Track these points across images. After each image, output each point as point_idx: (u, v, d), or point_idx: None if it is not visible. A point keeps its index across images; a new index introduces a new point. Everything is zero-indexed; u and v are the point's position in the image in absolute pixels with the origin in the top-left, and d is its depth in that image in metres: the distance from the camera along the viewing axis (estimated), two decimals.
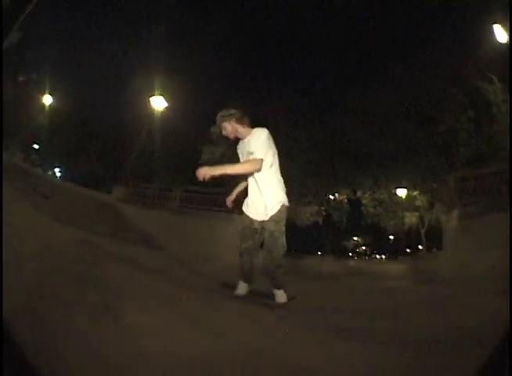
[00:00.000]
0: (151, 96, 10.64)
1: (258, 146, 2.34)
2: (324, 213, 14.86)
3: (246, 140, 2.47)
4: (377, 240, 21.88)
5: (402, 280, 6.23)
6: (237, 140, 2.56)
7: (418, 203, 17.11)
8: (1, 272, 1.08)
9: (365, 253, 24.38)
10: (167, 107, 10.86)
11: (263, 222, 2.42)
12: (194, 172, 2.31)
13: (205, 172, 2.24)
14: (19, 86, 15.59)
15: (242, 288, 2.54)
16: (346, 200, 15.78)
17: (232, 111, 2.47)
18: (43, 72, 15.14)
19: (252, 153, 2.36)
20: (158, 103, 10.78)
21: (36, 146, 15.80)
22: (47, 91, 15.17)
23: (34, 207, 3.49)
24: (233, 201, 2.73)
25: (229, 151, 10.26)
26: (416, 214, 17.91)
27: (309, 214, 13.75)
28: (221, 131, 2.50)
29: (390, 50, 13.63)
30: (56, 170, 16.08)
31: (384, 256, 23.77)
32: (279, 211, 2.38)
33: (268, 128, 2.41)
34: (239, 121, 2.46)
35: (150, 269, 2.85)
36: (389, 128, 13.99)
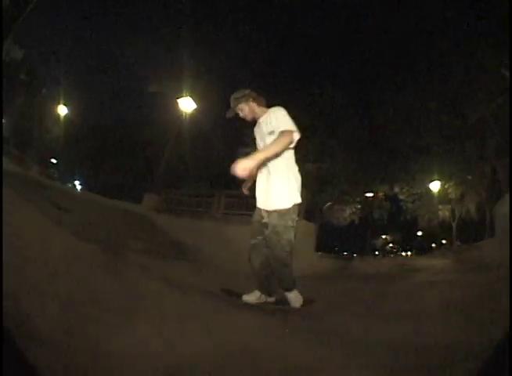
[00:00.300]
0: (179, 98, 9.99)
1: (282, 120, 2.12)
2: (360, 212, 14.14)
3: (262, 120, 2.26)
4: (406, 237, 21.11)
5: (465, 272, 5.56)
6: (254, 123, 2.35)
7: (451, 195, 16.73)
8: (1, 273, 1.09)
9: (391, 251, 23.47)
10: (195, 109, 10.21)
11: (269, 213, 2.16)
12: (230, 176, 2.05)
13: (245, 166, 1.89)
14: (29, 99, 15.14)
15: (253, 295, 2.27)
16: (384, 197, 15.11)
17: (247, 91, 2.29)
18: (57, 83, 14.67)
19: (273, 132, 2.12)
20: (186, 105, 10.13)
21: (54, 161, 15.25)
22: (61, 101, 14.67)
23: (50, 220, 3.07)
24: (249, 188, 2.46)
25: None
26: (449, 207, 17.49)
27: (348, 213, 13.06)
28: (237, 115, 2.33)
29: (420, 44, 13.11)
30: (76, 182, 15.46)
31: (409, 253, 22.94)
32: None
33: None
34: (256, 100, 2.30)
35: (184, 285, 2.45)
36: (422, 120, 13.70)
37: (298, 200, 2.15)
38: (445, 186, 16.20)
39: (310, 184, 10.80)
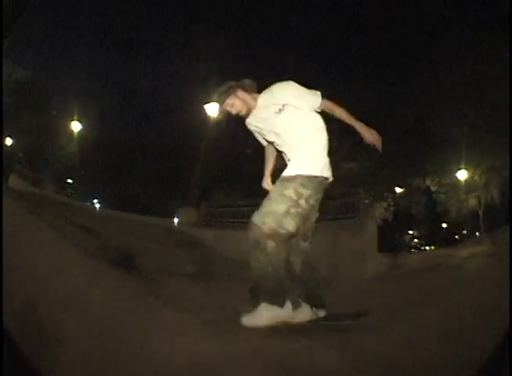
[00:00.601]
0: (206, 104, 9.49)
1: (300, 89, 1.86)
2: (393, 207, 13.72)
3: (260, 104, 1.90)
4: (434, 230, 20.67)
5: None
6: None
7: (478, 182, 16.54)
8: (2, 273, 1.08)
9: (416, 246, 22.94)
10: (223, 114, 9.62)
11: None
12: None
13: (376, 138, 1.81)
14: (40, 117, 14.68)
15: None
16: (420, 191, 14.75)
17: (232, 82, 1.93)
18: (68, 98, 14.20)
19: (281, 110, 1.81)
20: (213, 111, 9.61)
21: (70, 180, 14.75)
22: (75, 117, 14.14)
23: (69, 241, 2.93)
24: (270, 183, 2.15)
25: None
26: (475, 194, 17.25)
27: (383, 209, 12.63)
28: (229, 114, 1.97)
29: (446, 34, 13.03)
30: (95, 201, 14.89)
31: (433, 247, 22.47)
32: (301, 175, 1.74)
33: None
34: (245, 89, 1.92)
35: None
36: (450, 109, 13.54)
37: (310, 171, 1.74)
38: (473, 174, 15.99)
39: (350, 182, 10.47)
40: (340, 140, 9.99)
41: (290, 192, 1.69)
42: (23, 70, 14.38)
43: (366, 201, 13.10)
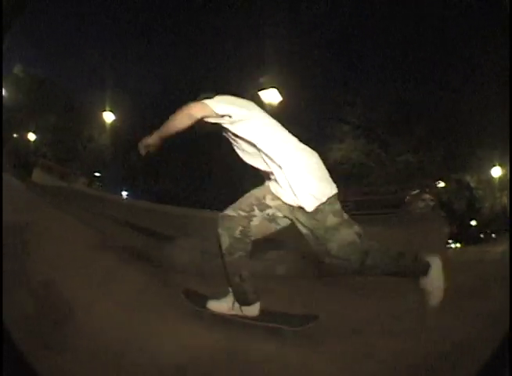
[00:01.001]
0: (260, 90, 9.13)
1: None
2: (433, 202, 13.54)
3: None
4: (460, 228, 20.59)
5: None
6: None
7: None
8: (2, 275, 1.05)
9: (454, 241, 22.80)
10: (281, 102, 9.37)
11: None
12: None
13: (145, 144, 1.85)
14: (67, 108, 14.25)
15: (224, 301, 1.94)
16: (463, 186, 14.59)
17: None
18: (100, 88, 13.71)
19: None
20: (271, 98, 9.28)
21: (98, 174, 14.30)
22: (107, 107, 13.66)
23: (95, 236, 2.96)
24: None
25: (358, 146, 9.67)
26: (506, 192, 17.14)
27: (425, 203, 12.47)
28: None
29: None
30: (124, 193, 14.41)
31: (458, 245, 22.28)
32: None
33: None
34: None
35: None
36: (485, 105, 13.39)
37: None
38: (508, 171, 15.87)
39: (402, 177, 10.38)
40: (393, 137, 9.86)
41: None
42: (42, 62, 13.99)
43: (409, 197, 12.96)
